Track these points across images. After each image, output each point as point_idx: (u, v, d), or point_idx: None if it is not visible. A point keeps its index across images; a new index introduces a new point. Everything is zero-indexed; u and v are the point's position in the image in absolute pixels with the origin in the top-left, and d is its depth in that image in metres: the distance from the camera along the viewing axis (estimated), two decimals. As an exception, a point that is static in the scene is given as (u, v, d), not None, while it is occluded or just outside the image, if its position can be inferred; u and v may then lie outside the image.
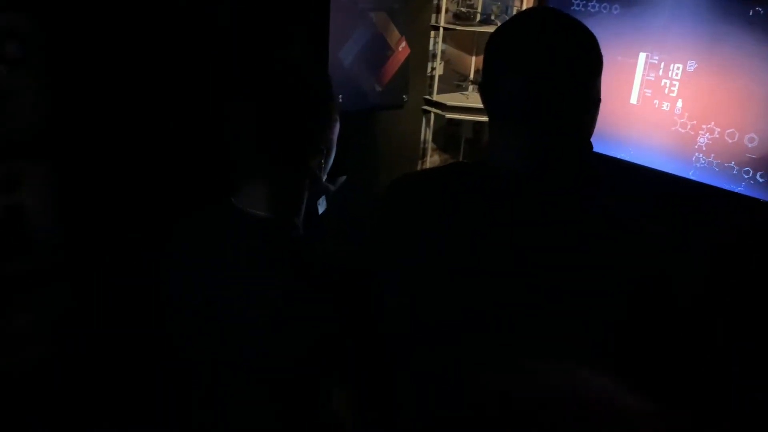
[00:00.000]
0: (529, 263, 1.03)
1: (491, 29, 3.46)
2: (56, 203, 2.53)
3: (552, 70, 1.05)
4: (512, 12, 3.45)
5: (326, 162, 1.31)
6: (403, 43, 3.27)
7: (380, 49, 3.18)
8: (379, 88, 3.24)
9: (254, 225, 1.24)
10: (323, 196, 1.44)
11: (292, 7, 2.76)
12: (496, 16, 3.51)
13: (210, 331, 1.24)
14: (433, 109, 3.56)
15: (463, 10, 3.54)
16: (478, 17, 3.55)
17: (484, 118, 3.67)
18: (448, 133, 3.82)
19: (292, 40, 2.75)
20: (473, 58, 3.71)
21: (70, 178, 2.53)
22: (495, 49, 1.14)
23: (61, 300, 2.55)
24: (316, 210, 1.40)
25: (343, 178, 1.41)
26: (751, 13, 2.36)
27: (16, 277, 2.47)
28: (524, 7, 3.34)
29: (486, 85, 1.16)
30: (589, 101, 1.10)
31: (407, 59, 3.32)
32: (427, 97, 3.57)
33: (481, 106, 3.66)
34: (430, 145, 3.69)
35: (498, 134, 1.17)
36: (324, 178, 1.33)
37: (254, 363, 1.21)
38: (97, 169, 2.54)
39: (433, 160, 3.76)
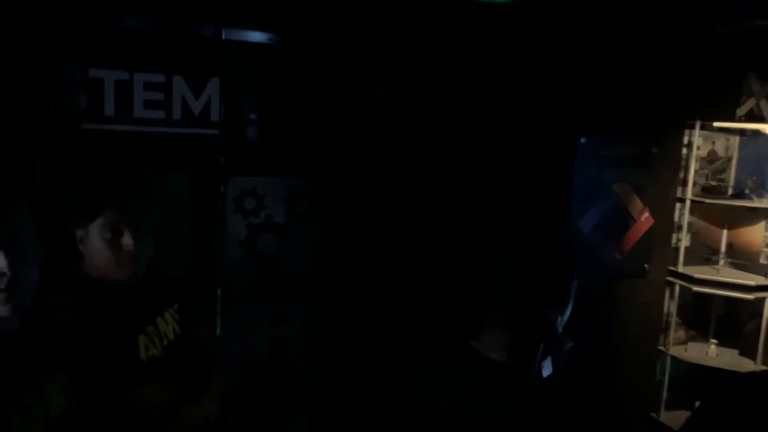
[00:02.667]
0: None
1: (747, 203, 3.33)
2: (314, 338, 2.88)
3: None
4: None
5: (563, 314, 1.37)
6: (646, 214, 3.28)
7: (622, 219, 3.22)
8: (619, 257, 3.24)
9: (492, 369, 1.33)
10: (548, 359, 1.47)
11: (535, 174, 2.98)
12: (751, 191, 3.36)
13: None
14: (679, 281, 3.41)
15: (713, 183, 3.45)
16: (730, 191, 3.43)
17: (740, 295, 3.39)
18: (696, 309, 3.58)
19: (534, 203, 2.93)
20: (724, 232, 3.53)
21: (327, 317, 2.88)
22: None
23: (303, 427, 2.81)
24: (550, 364, 1.43)
25: (570, 344, 1.44)
26: None
27: (270, 402, 2.80)
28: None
29: None
30: None
31: (650, 229, 3.29)
32: (672, 268, 3.44)
33: (734, 281, 3.40)
34: (674, 319, 3.49)
35: None
36: (560, 330, 1.39)
37: None
38: (350, 311, 2.87)
39: (677, 335, 3.53)
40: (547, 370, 1.52)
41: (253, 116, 2.78)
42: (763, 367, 3.18)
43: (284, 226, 2.88)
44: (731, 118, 3.41)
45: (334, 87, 2.81)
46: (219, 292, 2.77)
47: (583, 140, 3.05)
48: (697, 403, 1.33)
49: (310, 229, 2.90)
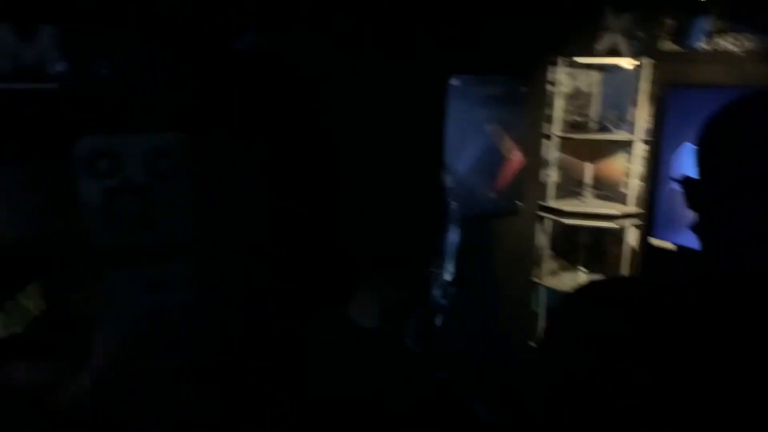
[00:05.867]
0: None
1: (608, 137, 3.49)
2: (196, 305, 2.71)
3: None
4: (629, 119, 3.45)
5: (439, 274, 1.31)
6: (517, 152, 3.35)
7: (494, 158, 3.27)
8: (493, 195, 3.29)
9: (363, 336, 1.25)
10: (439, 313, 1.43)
11: (408, 119, 2.92)
12: (612, 124, 3.52)
13: None
14: (549, 215, 3.54)
15: (578, 119, 3.58)
16: (594, 126, 3.58)
17: (605, 224, 3.56)
18: (566, 240, 3.77)
19: (408, 150, 2.89)
20: (589, 165, 3.70)
21: (210, 282, 2.72)
22: (722, 135, 1.10)
23: (193, 398, 2.67)
24: (431, 321, 1.40)
25: (455, 290, 1.40)
26: None
27: (154, 373, 2.63)
28: (641, 116, 3.33)
29: (710, 172, 1.10)
30: None
31: (521, 167, 3.37)
32: (543, 203, 3.57)
33: (600, 211, 3.55)
34: (546, 251, 3.65)
35: (724, 226, 1.10)
36: (437, 288, 1.33)
37: None
38: (232, 276, 2.72)
39: (550, 266, 3.70)
40: (439, 319, 1.47)
41: (100, 67, 2.50)
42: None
43: (145, 186, 2.65)
44: (592, 54, 3.52)
45: (190, 32, 2.57)
46: (78, 262, 2.52)
47: (454, 82, 3.03)
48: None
49: (177, 188, 2.69)
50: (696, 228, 1.11)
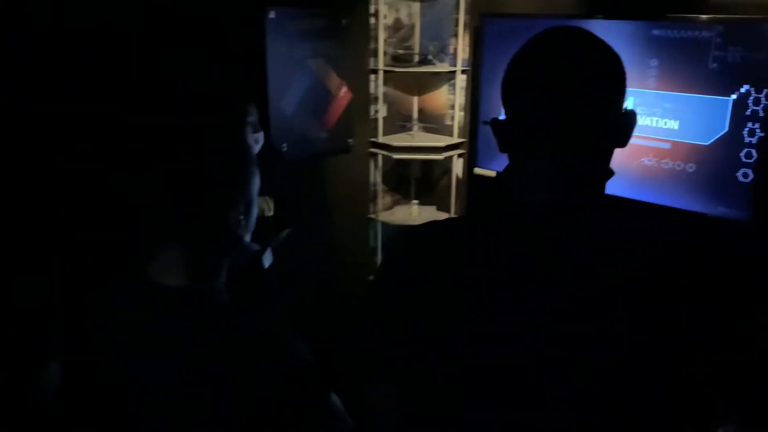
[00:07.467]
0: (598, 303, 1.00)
1: (431, 69, 3.53)
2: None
3: (585, 90, 1.02)
4: (449, 50, 3.50)
5: (247, 219, 1.21)
6: (344, 88, 3.27)
7: (321, 96, 3.17)
8: (323, 134, 3.22)
9: (169, 299, 1.12)
10: (269, 249, 1.35)
11: (227, 56, 2.72)
12: (434, 56, 3.55)
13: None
14: (380, 151, 3.55)
15: (401, 52, 3.57)
16: (417, 58, 3.59)
17: (432, 156, 3.64)
18: (397, 174, 3.81)
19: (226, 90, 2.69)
20: (415, 98, 3.74)
21: None
22: (520, 73, 1.09)
23: None
24: (256, 266, 1.30)
25: (287, 231, 1.31)
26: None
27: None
28: (460, 47, 3.39)
29: (512, 111, 1.10)
30: (620, 121, 1.07)
31: (349, 104, 3.31)
32: (373, 139, 3.56)
33: (427, 144, 3.60)
34: (380, 187, 3.67)
35: (525, 164, 1.11)
36: (248, 236, 1.23)
37: None
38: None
39: (384, 201, 3.74)
40: (267, 260, 1.38)
41: None
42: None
43: None
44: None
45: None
46: None
47: (272, 14, 2.85)
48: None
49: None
50: (506, 171, 1.13)
